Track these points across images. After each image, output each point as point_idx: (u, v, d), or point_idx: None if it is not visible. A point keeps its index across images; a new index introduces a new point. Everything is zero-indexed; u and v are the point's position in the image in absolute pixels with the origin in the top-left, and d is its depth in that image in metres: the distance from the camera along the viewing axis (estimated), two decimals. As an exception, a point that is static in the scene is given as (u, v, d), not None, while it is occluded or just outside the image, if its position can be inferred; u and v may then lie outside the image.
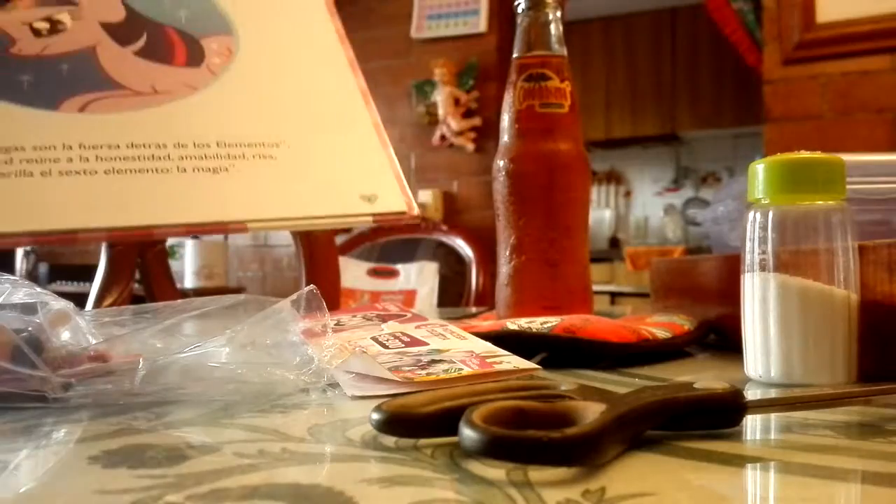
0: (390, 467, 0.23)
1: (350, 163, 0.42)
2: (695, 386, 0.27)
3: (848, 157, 0.38)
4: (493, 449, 0.21)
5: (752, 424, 0.29)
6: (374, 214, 0.37)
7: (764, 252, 0.37)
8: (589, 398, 0.26)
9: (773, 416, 0.30)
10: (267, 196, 0.38)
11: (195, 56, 0.42)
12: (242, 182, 0.38)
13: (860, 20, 1.72)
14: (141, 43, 0.40)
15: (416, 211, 0.40)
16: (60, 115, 0.37)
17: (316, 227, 0.38)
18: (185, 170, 0.38)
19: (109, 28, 0.39)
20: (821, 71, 1.79)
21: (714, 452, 0.25)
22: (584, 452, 0.21)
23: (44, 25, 0.38)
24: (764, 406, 0.29)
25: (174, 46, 0.42)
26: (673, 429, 0.27)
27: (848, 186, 0.37)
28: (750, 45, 2.15)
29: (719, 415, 0.27)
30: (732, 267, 0.41)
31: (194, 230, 0.36)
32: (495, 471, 0.22)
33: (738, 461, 0.24)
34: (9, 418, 0.31)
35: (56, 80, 0.38)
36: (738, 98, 3.64)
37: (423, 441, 0.26)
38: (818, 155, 0.37)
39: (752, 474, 0.24)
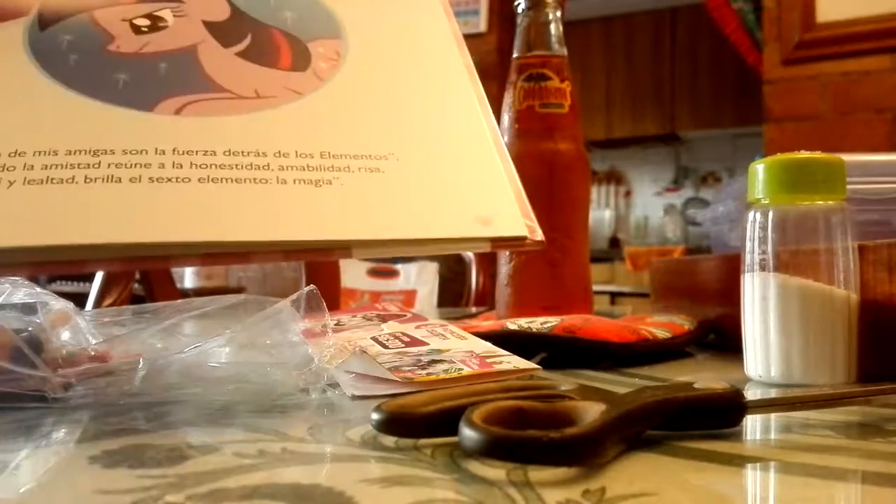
0: (390, 467, 0.23)
1: (465, 180, 0.38)
2: (695, 386, 0.27)
3: (848, 157, 0.38)
4: (493, 449, 0.21)
5: (752, 424, 0.29)
6: (491, 239, 0.33)
7: (764, 252, 0.37)
8: (589, 398, 0.26)
9: (773, 416, 0.30)
10: (373, 214, 0.35)
11: (301, 60, 0.39)
12: (347, 198, 0.35)
13: (860, 20, 1.72)
14: (245, 44, 0.37)
15: (539, 237, 0.35)
16: (155, 117, 0.34)
17: (426, 253, 0.34)
18: (285, 181, 0.35)
19: (213, 27, 0.37)
20: (821, 71, 1.79)
21: (714, 452, 0.25)
22: (584, 452, 0.21)
23: (144, 22, 0.36)
24: (764, 406, 0.29)
25: (279, 49, 0.39)
26: (673, 429, 0.27)
27: (848, 186, 0.37)
28: (750, 45, 2.15)
29: (719, 415, 0.27)
30: (732, 267, 0.41)
31: (292, 256, 0.33)
32: (495, 471, 0.22)
33: (738, 461, 0.24)
34: (9, 418, 0.31)
35: (154, 80, 0.35)
36: (738, 98, 3.64)
37: (423, 441, 0.26)
38: (818, 155, 0.37)
39: (752, 474, 0.24)
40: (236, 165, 0.34)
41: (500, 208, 0.34)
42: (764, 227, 0.37)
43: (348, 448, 0.26)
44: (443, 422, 0.25)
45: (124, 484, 0.21)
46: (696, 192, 4.15)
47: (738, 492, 0.22)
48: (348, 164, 0.36)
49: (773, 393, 0.31)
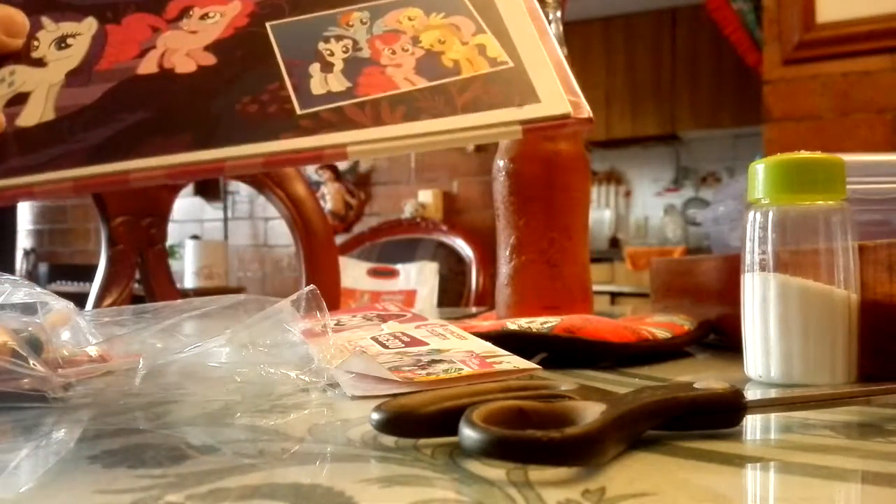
0: (390, 467, 0.23)
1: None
2: (695, 386, 0.27)
3: (848, 157, 0.38)
4: (494, 449, 0.21)
5: (752, 424, 0.29)
6: (524, 122, 0.28)
7: (764, 252, 0.37)
8: (589, 398, 0.26)
9: (773, 416, 0.30)
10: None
11: None
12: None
13: (860, 20, 1.72)
14: None
15: (586, 113, 0.29)
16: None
17: (435, 146, 0.29)
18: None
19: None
20: (821, 71, 1.79)
21: (714, 452, 0.25)
22: (584, 452, 0.21)
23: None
24: (764, 406, 0.29)
25: None
26: (673, 429, 0.27)
27: (848, 186, 0.37)
28: (750, 45, 2.15)
29: (719, 415, 0.27)
30: (732, 267, 0.41)
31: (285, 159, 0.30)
32: (495, 471, 0.22)
33: (738, 461, 0.24)
34: (9, 418, 0.31)
35: None
36: (738, 98, 3.64)
37: (423, 441, 0.26)
38: (818, 155, 0.37)
39: (752, 474, 0.24)
40: None
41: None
42: (764, 227, 0.37)
43: (348, 448, 0.26)
44: (443, 422, 0.25)
45: (124, 484, 0.21)
46: (696, 192, 4.15)
47: (738, 492, 0.22)
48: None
49: (773, 393, 0.31)
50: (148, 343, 0.38)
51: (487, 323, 0.51)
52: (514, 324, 0.47)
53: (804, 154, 0.37)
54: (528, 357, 0.39)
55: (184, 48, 0.30)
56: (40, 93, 0.29)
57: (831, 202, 0.36)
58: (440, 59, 0.31)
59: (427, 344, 0.41)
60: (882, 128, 1.73)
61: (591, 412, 0.24)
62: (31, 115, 0.28)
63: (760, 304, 0.37)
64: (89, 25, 0.31)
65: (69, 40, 0.30)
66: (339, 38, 0.31)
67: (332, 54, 0.31)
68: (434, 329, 0.45)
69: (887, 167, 0.49)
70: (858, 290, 0.36)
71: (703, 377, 0.40)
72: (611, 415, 0.23)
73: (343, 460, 0.24)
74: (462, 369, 0.36)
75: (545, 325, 0.46)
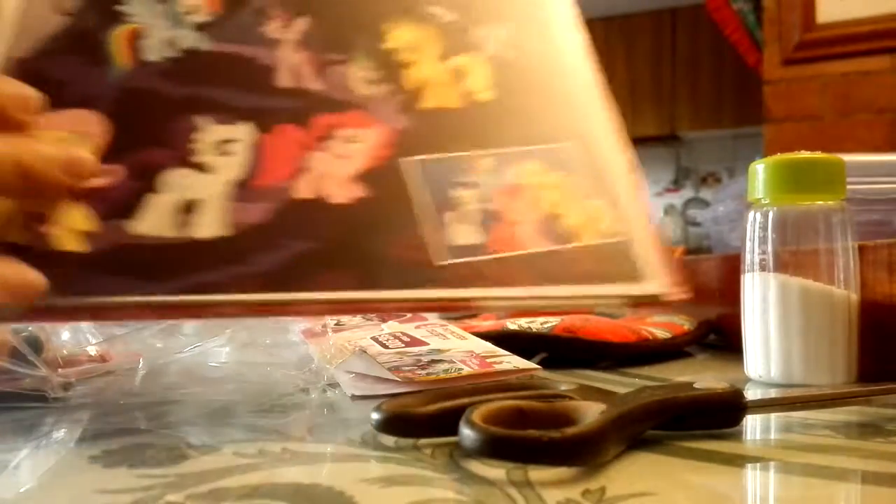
0: (390, 467, 0.23)
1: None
2: (695, 386, 0.27)
3: (848, 157, 0.38)
4: (493, 449, 0.21)
5: (752, 424, 0.29)
6: (628, 297, 0.29)
7: (764, 252, 0.37)
8: (589, 398, 0.26)
9: (773, 416, 0.30)
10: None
11: None
12: None
13: (860, 21, 1.72)
14: None
15: (683, 294, 0.31)
16: None
17: (553, 309, 0.32)
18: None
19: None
20: (821, 71, 1.79)
21: (714, 452, 0.25)
22: (583, 452, 0.21)
23: None
24: (764, 406, 0.29)
25: None
26: (673, 429, 0.27)
27: (848, 186, 0.37)
28: (750, 45, 2.15)
29: (719, 415, 0.27)
30: (732, 267, 0.41)
31: (424, 307, 0.32)
32: (495, 470, 0.22)
33: (738, 461, 0.24)
34: (9, 418, 0.31)
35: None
36: (738, 98, 3.64)
37: (422, 441, 0.26)
38: (818, 155, 0.37)
39: (752, 474, 0.24)
40: None
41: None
42: (764, 227, 0.37)
43: (348, 448, 0.26)
44: (443, 422, 0.25)
45: (124, 483, 0.21)
46: (696, 193, 4.15)
47: (738, 492, 0.22)
48: None
49: (773, 393, 0.31)
50: (148, 343, 0.38)
51: (487, 323, 0.51)
52: (514, 324, 0.47)
53: (804, 154, 0.37)
54: (528, 357, 0.39)
55: (334, 175, 0.31)
56: (209, 203, 0.29)
57: (831, 202, 0.36)
58: (559, 223, 0.32)
59: (427, 344, 0.41)
60: (882, 128, 1.73)
61: (590, 412, 0.24)
62: (206, 227, 0.29)
63: (760, 304, 0.37)
64: (245, 132, 0.31)
65: (228, 146, 0.31)
66: (470, 185, 0.32)
67: (464, 203, 0.32)
68: (434, 329, 0.45)
69: (887, 167, 0.49)
70: (858, 290, 0.36)
71: (703, 377, 0.40)
72: (611, 415, 0.23)
73: (343, 460, 0.24)
74: (462, 369, 0.36)
75: (545, 325, 0.46)
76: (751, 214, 0.38)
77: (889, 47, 1.71)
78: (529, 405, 0.25)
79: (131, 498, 0.20)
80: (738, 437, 0.27)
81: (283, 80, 0.33)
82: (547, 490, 0.20)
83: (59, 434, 0.29)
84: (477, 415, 0.23)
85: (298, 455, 0.25)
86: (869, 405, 0.31)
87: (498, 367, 0.37)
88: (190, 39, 0.32)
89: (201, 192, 0.29)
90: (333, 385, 0.37)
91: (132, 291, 0.27)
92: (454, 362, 0.37)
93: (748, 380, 0.38)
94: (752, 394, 0.28)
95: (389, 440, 0.26)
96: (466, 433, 0.22)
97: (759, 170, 0.37)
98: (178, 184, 0.29)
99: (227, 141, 0.31)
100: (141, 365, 0.34)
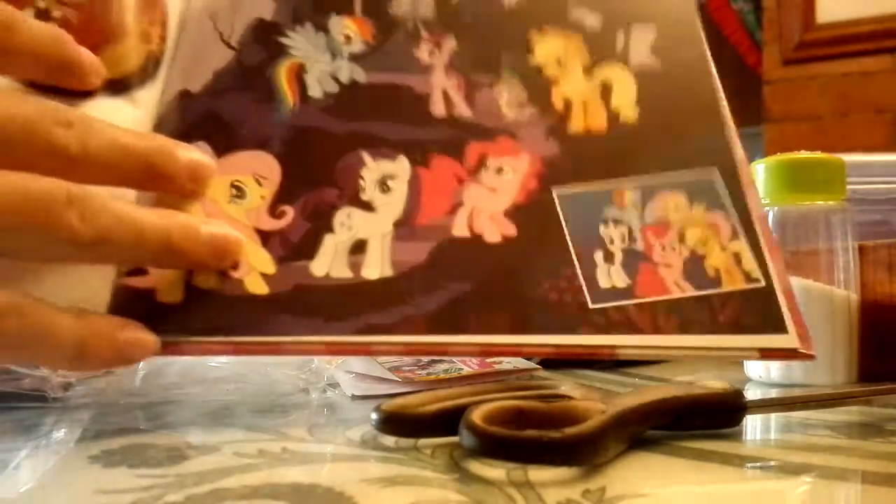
0: (390, 467, 0.23)
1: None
2: (695, 386, 0.27)
3: (848, 157, 0.38)
4: (494, 449, 0.21)
5: (752, 424, 0.29)
6: (760, 349, 0.29)
7: (764, 252, 0.37)
8: (589, 398, 0.26)
9: (773, 416, 0.30)
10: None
11: None
12: None
13: (860, 20, 1.72)
14: None
15: (811, 349, 0.31)
16: None
17: (689, 357, 0.31)
18: None
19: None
20: (820, 71, 1.79)
21: (714, 452, 0.25)
22: (584, 452, 0.21)
23: None
24: (764, 406, 0.29)
25: None
26: (673, 429, 0.27)
27: (848, 186, 0.37)
28: (750, 45, 2.15)
29: (719, 415, 0.27)
30: (732, 267, 0.41)
31: (564, 352, 0.31)
32: (495, 471, 0.22)
33: (738, 461, 0.24)
34: (9, 418, 0.31)
35: None
36: (738, 98, 3.64)
37: (422, 441, 0.26)
38: (818, 155, 0.37)
39: (752, 474, 0.24)
40: None
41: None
42: (764, 227, 0.37)
43: (348, 448, 0.26)
44: (442, 422, 0.25)
45: (124, 483, 0.21)
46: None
47: (738, 492, 0.22)
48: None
49: (773, 393, 0.31)
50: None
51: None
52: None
53: (804, 154, 0.37)
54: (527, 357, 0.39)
55: (487, 209, 0.31)
56: (375, 243, 0.30)
57: (831, 202, 0.36)
58: (703, 266, 0.32)
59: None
60: (882, 128, 1.73)
61: (590, 412, 0.24)
62: (373, 268, 0.29)
63: (760, 304, 0.37)
64: (403, 167, 0.32)
65: (389, 182, 0.31)
66: (616, 222, 0.32)
67: (612, 242, 0.32)
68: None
69: (887, 167, 0.49)
70: (858, 290, 0.36)
71: (703, 377, 0.40)
72: (611, 415, 0.23)
73: (343, 460, 0.24)
74: (462, 369, 0.36)
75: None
76: (751, 214, 0.38)
77: (889, 47, 1.71)
78: (529, 405, 0.25)
79: (131, 498, 0.20)
80: (738, 437, 0.27)
81: (437, 108, 0.33)
82: (547, 490, 0.20)
83: (59, 434, 0.29)
84: (477, 415, 0.23)
85: (298, 455, 0.25)
86: (869, 405, 0.31)
87: (498, 367, 0.37)
88: (347, 71, 0.33)
89: (368, 232, 0.30)
90: (333, 385, 0.37)
91: (312, 332, 0.28)
92: (454, 362, 0.37)
93: (748, 380, 0.38)
94: (752, 394, 0.28)
95: (389, 440, 0.26)
96: (466, 434, 0.22)
97: (759, 170, 0.37)
98: (347, 224, 0.30)
99: (388, 177, 0.31)
100: (141, 365, 0.34)
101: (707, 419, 0.27)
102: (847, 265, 0.36)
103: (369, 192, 0.31)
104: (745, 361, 0.38)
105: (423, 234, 0.30)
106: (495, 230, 0.31)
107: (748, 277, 0.32)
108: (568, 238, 0.31)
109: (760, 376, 0.37)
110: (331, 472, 0.23)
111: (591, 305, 0.30)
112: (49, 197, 0.23)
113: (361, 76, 0.33)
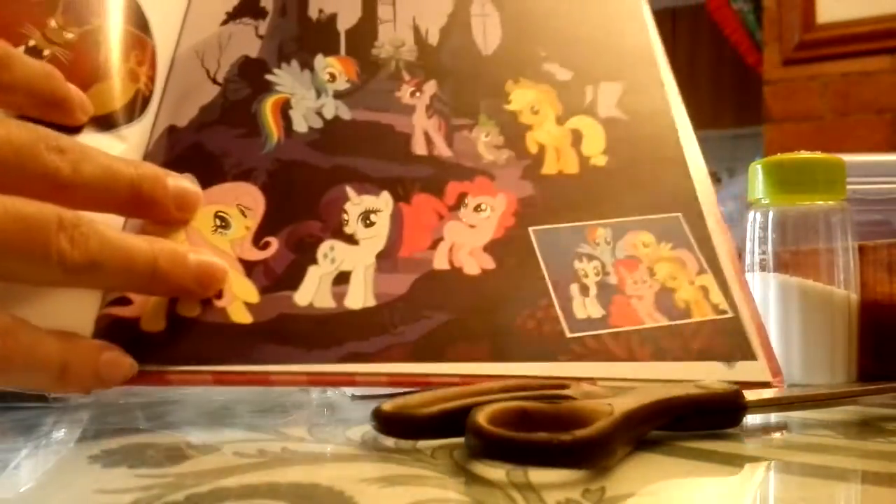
0: (390, 467, 0.23)
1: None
2: (695, 386, 0.27)
3: (848, 157, 0.38)
4: (501, 452, 0.21)
5: (752, 424, 0.29)
6: (735, 384, 0.29)
7: (764, 252, 0.37)
8: (590, 398, 0.26)
9: (773, 416, 0.30)
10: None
11: None
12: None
13: (860, 21, 1.72)
14: None
15: (781, 382, 0.32)
16: None
17: (667, 396, 0.32)
18: None
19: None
20: (821, 71, 1.79)
21: (714, 452, 0.25)
22: (593, 454, 0.21)
23: None
24: (764, 406, 0.29)
25: None
26: (673, 429, 0.27)
27: (848, 186, 0.37)
28: (750, 45, 2.15)
29: (719, 415, 0.27)
30: (732, 267, 0.41)
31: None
32: (495, 471, 0.22)
33: (738, 461, 0.24)
34: (9, 418, 0.31)
35: None
36: (738, 98, 3.64)
37: (423, 441, 0.26)
38: (818, 155, 0.37)
39: (752, 474, 0.24)
40: None
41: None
42: (764, 227, 0.37)
43: (348, 448, 0.26)
44: (443, 423, 0.25)
45: (124, 483, 0.21)
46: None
47: (738, 492, 0.22)
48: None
49: (772, 393, 0.31)
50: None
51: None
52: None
53: (804, 154, 0.37)
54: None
55: (467, 245, 0.32)
56: (358, 274, 0.30)
57: (831, 202, 0.36)
58: (673, 298, 0.33)
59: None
60: (882, 128, 1.73)
61: (597, 413, 0.24)
62: (356, 298, 0.30)
63: (760, 304, 0.37)
64: (386, 202, 0.32)
65: (372, 216, 0.32)
66: (589, 257, 0.33)
67: (586, 275, 0.33)
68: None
69: (887, 167, 0.49)
70: (858, 290, 0.36)
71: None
72: (618, 416, 0.23)
73: (343, 460, 0.24)
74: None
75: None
76: (751, 214, 0.38)
77: (889, 47, 1.71)
78: (534, 406, 0.25)
79: (131, 498, 0.20)
80: (737, 437, 0.27)
81: (418, 147, 0.34)
82: (547, 490, 0.20)
83: (59, 434, 0.29)
84: (482, 417, 0.23)
85: (298, 455, 0.25)
86: (869, 405, 0.31)
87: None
88: (332, 108, 0.34)
89: (352, 264, 0.31)
90: (333, 385, 0.37)
91: (295, 360, 0.28)
92: (454, 362, 0.37)
93: (748, 380, 0.38)
94: (752, 394, 0.28)
95: (389, 440, 0.26)
96: (473, 436, 0.22)
97: (759, 170, 0.37)
98: (330, 256, 0.31)
99: (371, 211, 0.32)
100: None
101: (707, 419, 0.27)
102: (847, 265, 0.36)
103: (353, 225, 0.31)
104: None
105: (405, 267, 0.31)
106: (475, 264, 0.32)
107: (716, 309, 0.33)
108: (544, 271, 0.32)
109: (760, 376, 0.37)
110: (331, 472, 0.23)
111: (568, 335, 0.31)
112: (41, 221, 0.23)
113: (346, 113, 0.34)
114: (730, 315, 0.33)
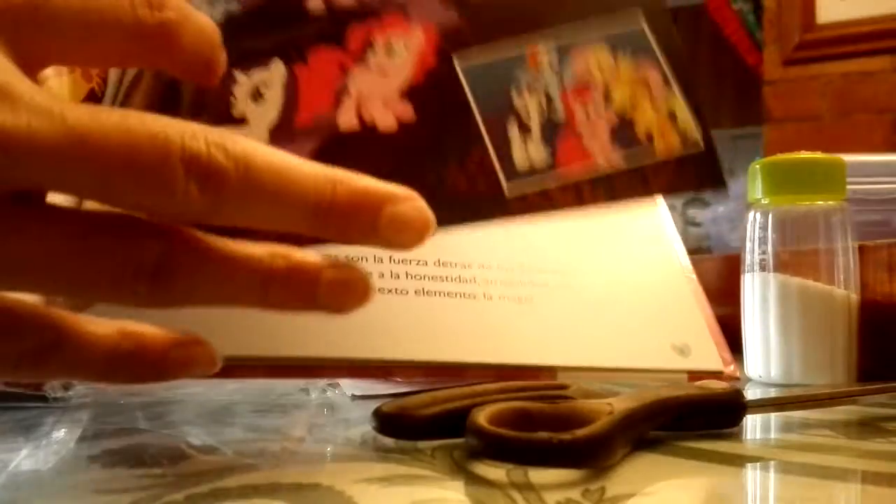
0: (390, 467, 0.23)
1: (659, 307, 0.36)
2: (695, 386, 0.27)
3: (848, 157, 0.38)
4: (503, 451, 0.21)
5: (752, 424, 0.29)
6: (689, 371, 0.30)
7: (764, 252, 0.37)
8: (590, 398, 0.26)
9: (773, 416, 0.30)
10: (573, 337, 0.34)
11: None
12: (549, 318, 0.34)
13: (860, 21, 1.72)
14: None
15: (734, 372, 0.34)
16: None
17: (628, 381, 0.32)
18: (490, 297, 0.34)
19: None
20: (821, 71, 1.79)
21: (714, 452, 0.25)
22: (594, 454, 0.21)
23: None
24: (764, 406, 0.29)
25: None
26: (674, 429, 0.27)
27: (848, 186, 0.37)
28: (750, 45, 2.15)
29: (719, 415, 0.27)
30: (732, 267, 0.41)
31: (505, 374, 0.32)
32: (495, 471, 0.22)
33: (738, 461, 0.24)
34: (9, 418, 0.31)
35: None
36: (737, 98, 3.64)
37: (423, 441, 0.26)
38: (818, 155, 0.37)
39: (752, 474, 0.24)
40: (446, 277, 0.34)
41: (694, 338, 0.32)
42: (764, 227, 0.37)
43: (348, 448, 0.26)
44: (443, 424, 0.25)
45: (124, 483, 0.21)
46: (695, 193, 4.15)
47: (738, 492, 0.22)
48: (546, 279, 0.35)
49: (772, 393, 0.31)
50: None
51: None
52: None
53: (804, 154, 0.37)
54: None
55: (378, 95, 0.28)
56: None
57: (831, 202, 0.36)
58: (634, 130, 0.29)
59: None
60: (882, 128, 1.73)
61: (597, 413, 0.24)
62: None
63: (760, 304, 0.37)
64: (278, 70, 0.28)
65: (262, 90, 0.28)
66: (531, 89, 0.28)
67: (527, 112, 0.28)
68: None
69: (887, 167, 0.49)
70: (858, 290, 0.36)
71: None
72: (618, 416, 0.23)
73: (343, 460, 0.24)
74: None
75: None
76: (751, 214, 0.38)
77: (889, 47, 1.71)
78: (534, 406, 0.25)
79: (131, 498, 0.20)
80: (737, 437, 0.27)
81: (313, 2, 0.29)
82: (547, 490, 0.20)
83: (59, 434, 0.29)
84: (482, 417, 0.23)
85: (298, 455, 0.25)
86: (869, 405, 0.31)
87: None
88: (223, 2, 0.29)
89: None
90: (333, 385, 0.37)
91: None
92: (454, 362, 0.37)
93: (748, 380, 0.38)
94: (752, 394, 0.28)
95: (390, 440, 0.26)
96: (473, 436, 0.22)
97: (759, 170, 0.37)
98: None
99: (261, 84, 0.28)
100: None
101: (707, 419, 0.27)
102: (847, 265, 0.36)
103: (241, 105, 0.27)
104: (745, 361, 0.38)
105: (304, 134, 0.27)
106: (389, 116, 0.27)
107: (684, 136, 0.29)
108: (476, 113, 0.28)
109: (760, 376, 0.37)
110: (331, 472, 0.23)
111: (508, 191, 0.27)
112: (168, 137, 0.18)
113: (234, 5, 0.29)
114: (700, 148, 0.29)
